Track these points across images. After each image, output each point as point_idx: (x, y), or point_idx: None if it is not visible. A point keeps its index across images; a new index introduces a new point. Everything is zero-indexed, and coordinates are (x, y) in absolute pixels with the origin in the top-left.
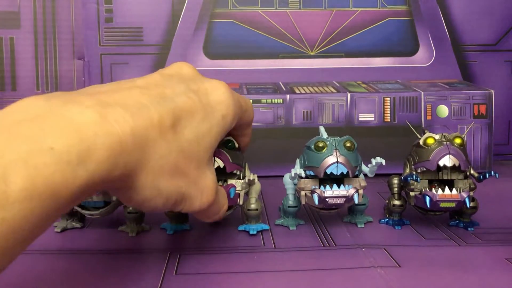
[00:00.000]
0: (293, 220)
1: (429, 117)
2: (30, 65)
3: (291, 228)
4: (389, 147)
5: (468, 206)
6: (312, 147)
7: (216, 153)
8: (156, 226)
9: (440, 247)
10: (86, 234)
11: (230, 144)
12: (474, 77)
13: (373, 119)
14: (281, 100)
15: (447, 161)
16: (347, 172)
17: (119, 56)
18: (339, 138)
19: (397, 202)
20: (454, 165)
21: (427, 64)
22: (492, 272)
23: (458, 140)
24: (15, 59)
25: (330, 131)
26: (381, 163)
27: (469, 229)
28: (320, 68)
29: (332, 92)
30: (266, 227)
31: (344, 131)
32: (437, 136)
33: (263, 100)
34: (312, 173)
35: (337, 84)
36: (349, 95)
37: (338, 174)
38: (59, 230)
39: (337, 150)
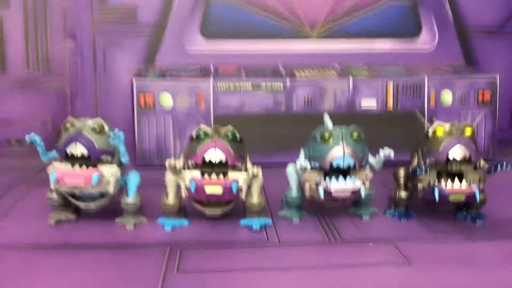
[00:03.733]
0: (297, 212)
1: (432, 103)
2: (20, 45)
3: (294, 221)
4: (392, 135)
5: (478, 199)
6: (318, 137)
7: (217, 145)
8: (154, 219)
9: (449, 242)
10: (81, 226)
11: (231, 135)
12: (478, 61)
13: (375, 105)
14: (282, 86)
15: (458, 152)
16: (354, 164)
17: (112, 37)
18: (345, 128)
19: (403, 194)
20: (464, 157)
21: (430, 48)
22: (502, 271)
23: (468, 131)
24: (4, 39)
25: (332, 118)
26: (390, 155)
27: (477, 222)
28: (321, 51)
29: (333, 76)
30: (269, 221)
31: (346, 117)
32: (447, 126)
33: (263, 85)
34: (317, 165)
35: (338, 67)
36: (351, 80)
37: (345, 166)
38: (53, 222)
39: (343, 141)
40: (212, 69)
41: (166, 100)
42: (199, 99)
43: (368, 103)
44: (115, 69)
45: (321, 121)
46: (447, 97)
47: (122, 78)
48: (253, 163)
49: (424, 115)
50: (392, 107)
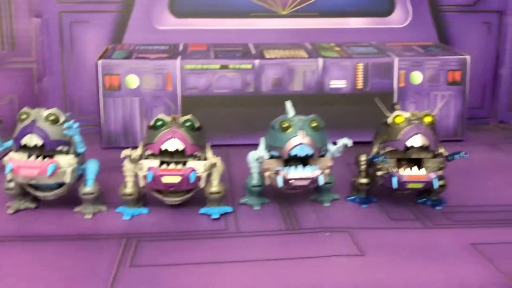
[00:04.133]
0: (258, 199)
1: (402, 84)
2: None
3: (255, 208)
4: (361, 115)
5: (435, 187)
6: (277, 127)
7: (175, 134)
8: (113, 207)
9: (406, 230)
10: (40, 216)
11: (189, 124)
12: (451, 38)
13: (345, 86)
14: (250, 66)
15: (416, 141)
16: (313, 153)
17: (79, 14)
18: (305, 117)
19: (364, 181)
20: (423, 145)
21: (403, 25)
22: (456, 261)
23: (428, 119)
24: None
25: (301, 99)
26: (347, 144)
27: (436, 207)
28: (292, 28)
29: (303, 57)
30: (229, 209)
31: (315, 98)
32: (406, 114)
33: (231, 66)
34: (276, 154)
35: (309, 46)
36: (320, 60)
37: (303, 155)
38: (12, 211)
39: (302, 131)
40: (181, 47)
41: (132, 81)
42: (166, 80)
43: (337, 84)
44: (83, 47)
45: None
46: (417, 77)
47: (90, 56)
48: (221, 145)
49: (393, 95)
50: (361, 87)
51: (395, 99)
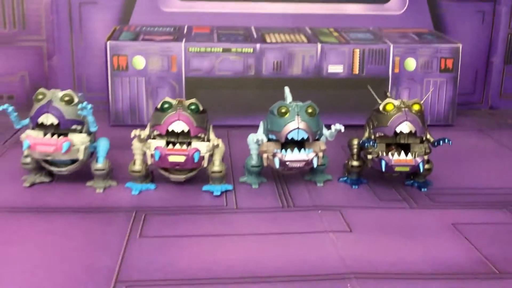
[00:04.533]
0: (256, 178)
1: (396, 70)
2: None
3: (253, 187)
4: (357, 99)
5: (421, 170)
6: (275, 112)
7: (180, 117)
8: (124, 181)
9: (392, 210)
10: (54, 189)
11: (193, 107)
12: (446, 26)
13: (342, 71)
14: (251, 50)
15: (404, 127)
16: (308, 137)
17: None
18: (301, 103)
19: (355, 163)
20: (410, 132)
21: (399, 12)
22: (437, 239)
23: (416, 107)
24: None
25: (299, 82)
26: (340, 129)
27: (422, 189)
28: (293, 13)
29: (303, 42)
30: (229, 187)
31: (313, 82)
32: (396, 102)
33: (233, 49)
34: (274, 137)
35: (309, 31)
36: (319, 46)
37: (299, 139)
38: (28, 184)
39: (298, 116)
40: (185, 29)
41: (139, 62)
42: (171, 61)
43: (335, 69)
44: (91, 27)
45: (288, 85)
46: (411, 64)
47: (98, 36)
48: (222, 125)
49: (387, 81)
50: (358, 72)
51: (389, 85)
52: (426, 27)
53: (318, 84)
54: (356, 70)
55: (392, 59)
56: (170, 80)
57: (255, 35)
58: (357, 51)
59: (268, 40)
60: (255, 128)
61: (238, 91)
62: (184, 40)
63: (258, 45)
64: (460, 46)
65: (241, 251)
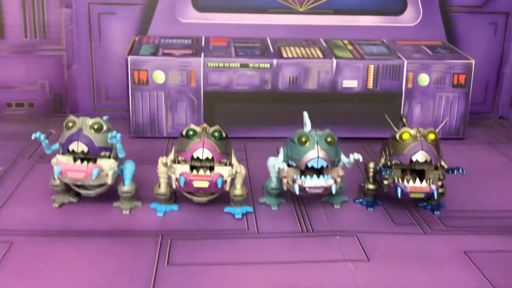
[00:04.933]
0: (275, 199)
1: (410, 85)
2: (17, 13)
3: (273, 208)
4: (371, 113)
5: (435, 198)
6: (295, 140)
7: (205, 144)
8: (145, 199)
9: (406, 236)
10: (82, 210)
11: (217, 134)
12: (458, 37)
13: (356, 86)
14: (268, 65)
15: (420, 157)
16: (327, 165)
17: (106, 6)
18: (321, 132)
19: (371, 187)
20: (426, 161)
21: (413, 24)
22: (449, 268)
23: (431, 136)
24: (1, 6)
25: (314, 96)
26: (358, 159)
27: (435, 212)
28: (307, 25)
29: (318, 57)
30: (250, 209)
31: (328, 96)
32: (412, 131)
33: (251, 65)
34: (294, 164)
35: (324, 44)
36: (334, 61)
37: (319, 167)
38: (57, 205)
39: (318, 145)
40: (203, 41)
41: (159, 77)
42: (190, 76)
43: (349, 83)
44: (110, 37)
45: (303, 99)
46: (424, 79)
47: (116, 45)
48: (239, 137)
49: (401, 96)
50: (372, 87)
51: (402, 99)
52: (439, 38)
53: (333, 98)
54: (370, 85)
55: (405, 74)
56: (189, 94)
57: (271, 49)
58: (372, 67)
59: (284, 54)
60: (270, 140)
61: (255, 105)
62: (202, 55)
63: (275, 61)
64: (473, 62)
65: (263, 281)
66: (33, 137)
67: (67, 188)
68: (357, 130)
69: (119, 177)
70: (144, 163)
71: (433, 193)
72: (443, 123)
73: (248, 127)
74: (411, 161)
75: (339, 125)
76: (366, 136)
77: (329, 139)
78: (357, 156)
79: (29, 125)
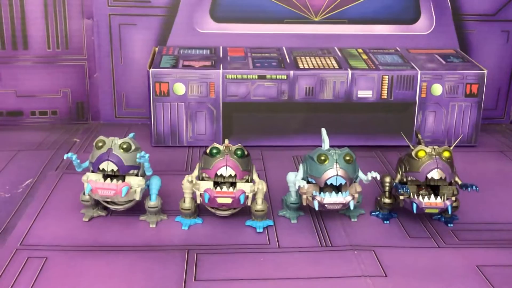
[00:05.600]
0: (294, 212)
1: (423, 95)
2: (40, 24)
3: (292, 221)
4: (385, 122)
5: (449, 213)
6: (315, 159)
7: (228, 162)
8: (172, 215)
9: (421, 250)
10: (110, 224)
11: (239, 152)
12: (471, 45)
13: (371, 95)
14: (285, 76)
15: (435, 174)
16: (345, 182)
17: (127, 17)
18: (339, 151)
19: (387, 201)
20: (440, 178)
21: (426, 33)
22: (463, 283)
23: (446, 154)
24: (25, 18)
25: (330, 106)
26: (376, 177)
27: (449, 225)
28: (323, 33)
29: (334, 68)
30: (270, 223)
31: (343, 106)
32: (428, 149)
33: (268, 76)
34: (313, 181)
35: (339, 53)
36: (350, 72)
37: (337, 185)
38: (87, 219)
39: (337, 164)
40: (221, 52)
41: (180, 89)
42: (209, 87)
43: (364, 94)
44: (130, 47)
45: (319, 109)
46: (437, 89)
47: (137, 55)
48: (256, 146)
49: (415, 105)
50: (386, 97)
51: (416, 109)
52: (452, 46)
53: (348, 108)
54: (385, 95)
55: (419, 84)
56: (208, 104)
57: (287, 59)
58: (386, 77)
59: (300, 65)
60: (287, 148)
61: (272, 115)
62: (221, 67)
63: (291, 72)
64: (485, 72)
65: None
66: (65, 157)
67: (96, 202)
68: (372, 139)
69: (145, 192)
70: (166, 173)
71: (447, 208)
72: (458, 140)
73: (265, 137)
74: (426, 178)
75: (354, 134)
76: (380, 144)
77: (347, 158)
78: (375, 174)
79: (53, 133)
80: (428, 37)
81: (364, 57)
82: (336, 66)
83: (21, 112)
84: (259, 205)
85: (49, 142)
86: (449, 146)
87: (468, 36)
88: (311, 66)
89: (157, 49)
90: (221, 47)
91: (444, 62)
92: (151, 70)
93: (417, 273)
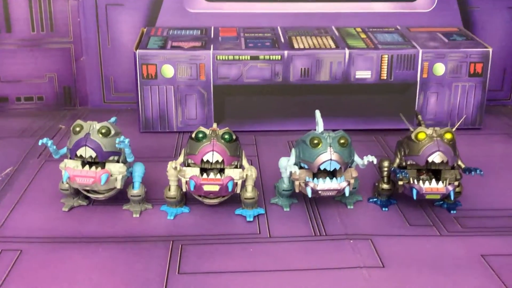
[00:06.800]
0: (287, 200)
1: (425, 75)
2: (23, 6)
3: (285, 209)
4: (385, 104)
5: (452, 198)
6: (307, 142)
7: (215, 147)
8: (157, 204)
9: (422, 238)
10: (91, 213)
11: (227, 137)
12: (475, 23)
13: (369, 76)
14: (279, 57)
15: (436, 158)
16: (340, 167)
17: None
18: (333, 134)
19: (385, 186)
20: (442, 162)
21: (428, 10)
22: (466, 273)
23: (448, 136)
24: (7, 0)
25: (327, 88)
26: (373, 161)
27: (451, 211)
28: (319, 12)
29: (330, 47)
30: (261, 211)
31: (341, 88)
32: (428, 131)
33: (261, 57)
34: (306, 166)
35: (336, 33)
36: (347, 52)
37: (331, 170)
38: (67, 209)
39: (331, 147)
40: (212, 32)
41: (168, 71)
42: (199, 69)
43: (363, 74)
44: (118, 28)
45: (316, 91)
46: (440, 69)
47: (124, 37)
48: (250, 131)
49: (416, 86)
50: (386, 78)
51: (417, 90)
52: (455, 24)
53: (345, 89)
54: (384, 76)
55: (420, 64)
56: (198, 87)
57: (282, 39)
58: (386, 56)
59: (296, 45)
60: (282, 133)
61: (266, 98)
62: (212, 47)
63: (286, 52)
64: (490, 50)
65: None
66: (40, 143)
67: (76, 192)
68: (371, 122)
69: (128, 180)
70: (154, 160)
71: (449, 195)
72: (460, 121)
73: (259, 121)
74: (427, 162)
75: (352, 117)
76: (379, 128)
77: (342, 141)
78: (371, 158)
79: (38, 119)
80: (430, 15)
81: (363, 36)
82: (333, 46)
83: (6, 98)
84: (249, 193)
85: (34, 129)
86: (451, 128)
87: (472, 13)
88: (307, 46)
89: (145, 30)
90: (212, 28)
91: (446, 41)
92: (137, 51)
93: (417, 263)
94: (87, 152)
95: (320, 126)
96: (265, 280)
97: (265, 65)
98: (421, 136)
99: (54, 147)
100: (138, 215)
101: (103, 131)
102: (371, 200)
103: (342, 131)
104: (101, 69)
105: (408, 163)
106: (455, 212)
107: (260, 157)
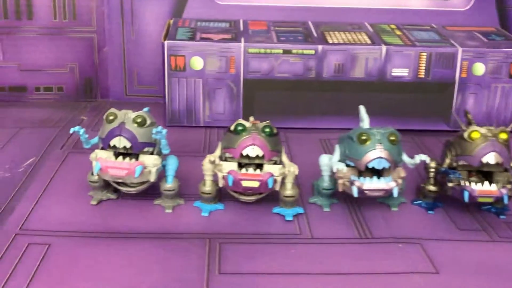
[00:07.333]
0: (327, 199)
1: (464, 75)
2: None
3: (325, 209)
4: (421, 104)
5: (506, 202)
6: (355, 138)
7: (255, 141)
8: (189, 200)
9: (474, 243)
10: (122, 208)
11: (268, 130)
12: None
13: (406, 74)
14: (313, 51)
15: (491, 158)
16: (389, 166)
17: None
18: (382, 130)
19: (432, 188)
20: (497, 163)
21: (464, 9)
22: None
23: (503, 136)
24: None
25: (361, 85)
26: (425, 160)
27: (500, 216)
28: (351, 8)
29: (366, 43)
30: (301, 210)
31: (376, 85)
32: (482, 130)
33: (294, 51)
34: (352, 164)
35: (370, 29)
36: (384, 48)
37: (380, 168)
38: (95, 203)
39: (380, 144)
40: (241, 25)
41: (197, 63)
42: (229, 62)
43: (399, 72)
44: (143, 19)
45: (350, 88)
46: (479, 69)
47: (150, 28)
48: (280, 127)
49: (454, 86)
50: (423, 76)
51: (455, 90)
52: (492, 24)
53: (381, 87)
54: (422, 74)
55: (460, 63)
56: (228, 81)
57: (314, 33)
58: (424, 54)
59: (329, 40)
60: (313, 131)
61: (297, 94)
62: (243, 40)
63: (320, 47)
64: None
65: None
66: (71, 131)
67: (106, 184)
68: (407, 122)
69: (161, 173)
70: (181, 155)
71: (503, 198)
72: None
73: (290, 118)
74: (481, 162)
75: (387, 116)
76: (415, 128)
77: (392, 138)
78: (424, 157)
79: (58, 110)
80: (465, 14)
81: (398, 33)
82: (369, 42)
83: (25, 88)
84: (289, 190)
85: (54, 119)
86: (506, 127)
87: (510, 13)
88: (341, 41)
89: (172, 21)
90: (241, 20)
91: (486, 40)
92: (166, 42)
93: (472, 270)
94: (121, 142)
95: (366, 123)
96: (311, 284)
97: (298, 60)
98: (475, 135)
99: (86, 136)
100: (171, 211)
101: (139, 120)
102: (415, 202)
103: (391, 127)
104: (124, 60)
105: (460, 163)
106: (504, 217)
107: (291, 155)
